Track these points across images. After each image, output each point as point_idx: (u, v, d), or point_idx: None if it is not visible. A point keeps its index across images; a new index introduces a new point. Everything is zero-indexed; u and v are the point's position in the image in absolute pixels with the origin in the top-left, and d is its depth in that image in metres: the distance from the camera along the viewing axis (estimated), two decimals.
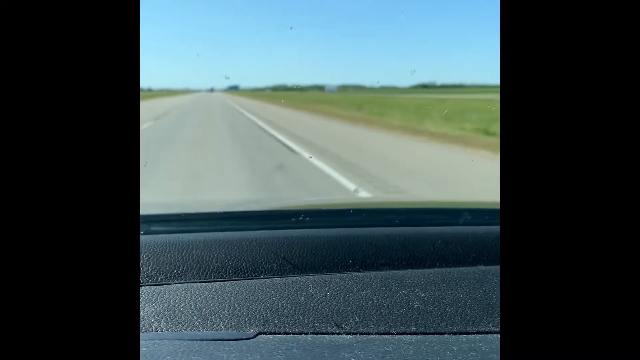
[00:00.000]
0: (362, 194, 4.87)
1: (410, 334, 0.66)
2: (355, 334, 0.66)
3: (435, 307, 0.72)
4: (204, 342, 0.62)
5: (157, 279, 0.84)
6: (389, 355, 0.59)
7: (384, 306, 0.72)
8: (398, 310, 0.71)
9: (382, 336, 0.66)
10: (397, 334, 0.66)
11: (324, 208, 1.23)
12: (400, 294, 0.76)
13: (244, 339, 0.64)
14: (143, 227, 1.02)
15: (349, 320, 0.69)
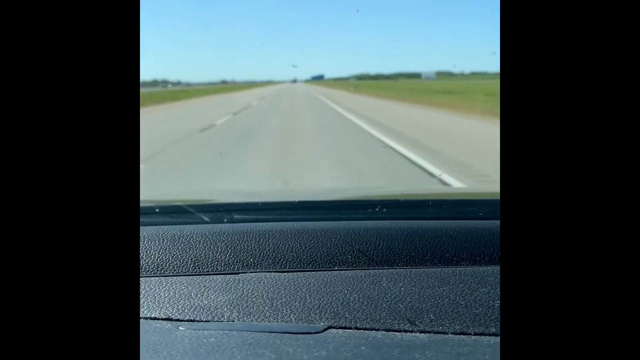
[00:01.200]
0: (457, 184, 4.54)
1: (490, 335, 0.62)
2: (429, 332, 0.63)
3: None
4: (272, 334, 0.62)
5: (234, 267, 0.85)
6: (462, 357, 0.55)
7: (461, 304, 0.68)
8: (477, 310, 0.67)
9: (457, 336, 0.62)
10: (475, 334, 0.62)
11: (402, 199, 1.19)
12: (480, 291, 0.71)
13: (313, 333, 0.62)
14: (223, 216, 1.04)
15: (423, 317, 0.66)
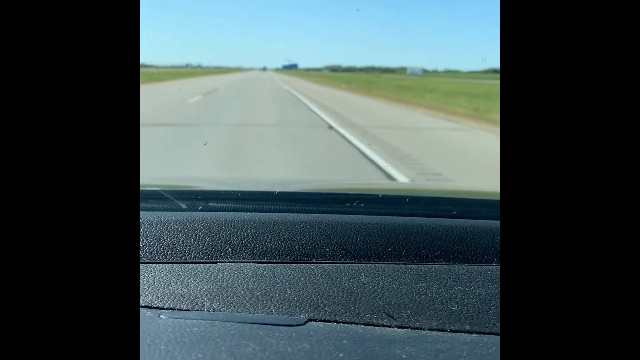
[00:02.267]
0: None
1: (465, 332, 0.64)
2: (407, 328, 0.65)
3: (492, 306, 0.69)
4: (255, 325, 0.62)
5: (211, 257, 0.85)
6: (441, 354, 0.57)
7: (438, 301, 0.70)
8: (452, 307, 0.69)
9: (434, 332, 0.64)
10: (451, 331, 0.64)
11: (380, 194, 1.21)
12: (455, 289, 0.74)
13: (294, 325, 0.63)
14: (201, 204, 1.04)
15: (401, 313, 0.67)
